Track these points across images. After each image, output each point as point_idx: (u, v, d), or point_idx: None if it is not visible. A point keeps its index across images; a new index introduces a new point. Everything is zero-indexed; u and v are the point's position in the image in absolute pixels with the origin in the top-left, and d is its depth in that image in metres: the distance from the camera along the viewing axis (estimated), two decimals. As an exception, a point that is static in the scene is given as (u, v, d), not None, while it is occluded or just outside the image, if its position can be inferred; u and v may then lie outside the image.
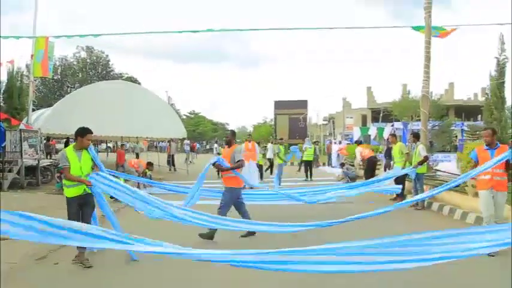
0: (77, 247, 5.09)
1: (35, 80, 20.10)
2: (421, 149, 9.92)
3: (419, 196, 8.00)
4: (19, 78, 19.27)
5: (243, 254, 3.50)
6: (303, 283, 4.62)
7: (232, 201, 6.88)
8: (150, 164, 14.50)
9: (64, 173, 5.36)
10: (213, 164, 6.85)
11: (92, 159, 5.46)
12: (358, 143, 17.46)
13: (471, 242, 3.35)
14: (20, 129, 12.96)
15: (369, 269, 3.51)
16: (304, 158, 17.69)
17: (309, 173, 17.09)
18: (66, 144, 20.11)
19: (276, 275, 4.18)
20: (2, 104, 20.64)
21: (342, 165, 17.43)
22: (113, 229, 5.01)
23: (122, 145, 17.70)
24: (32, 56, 15.21)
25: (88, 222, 5.18)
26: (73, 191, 5.32)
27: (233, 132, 7.72)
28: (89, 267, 5.17)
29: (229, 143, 7.25)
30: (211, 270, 4.79)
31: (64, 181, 5.38)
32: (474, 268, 5.06)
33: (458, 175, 10.31)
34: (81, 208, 5.35)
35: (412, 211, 9.56)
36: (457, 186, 6.39)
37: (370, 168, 13.88)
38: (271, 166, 18.09)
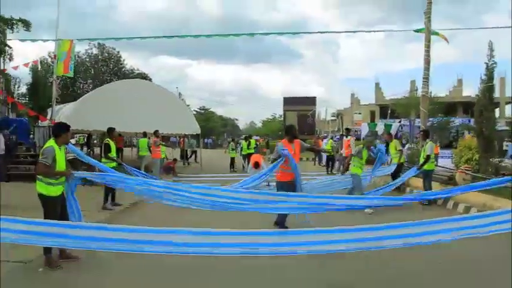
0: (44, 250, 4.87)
1: (58, 78, 21.09)
2: (428, 147, 9.72)
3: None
4: (43, 77, 20.41)
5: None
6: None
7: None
8: (175, 161, 17.84)
9: (45, 170, 4.90)
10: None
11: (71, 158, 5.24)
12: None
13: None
14: (49, 126, 14.06)
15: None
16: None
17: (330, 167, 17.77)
18: (88, 140, 21.19)
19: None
20: (24, 101, 21.84)
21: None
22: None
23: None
24: (55, 56, 16.25)
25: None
26: (59, 189, 5.03)
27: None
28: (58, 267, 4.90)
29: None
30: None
31: (45, 179, 4.94)
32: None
33: (453, 169, 11.16)
34: (61, 209, 5.05)
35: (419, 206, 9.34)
36: None
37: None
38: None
